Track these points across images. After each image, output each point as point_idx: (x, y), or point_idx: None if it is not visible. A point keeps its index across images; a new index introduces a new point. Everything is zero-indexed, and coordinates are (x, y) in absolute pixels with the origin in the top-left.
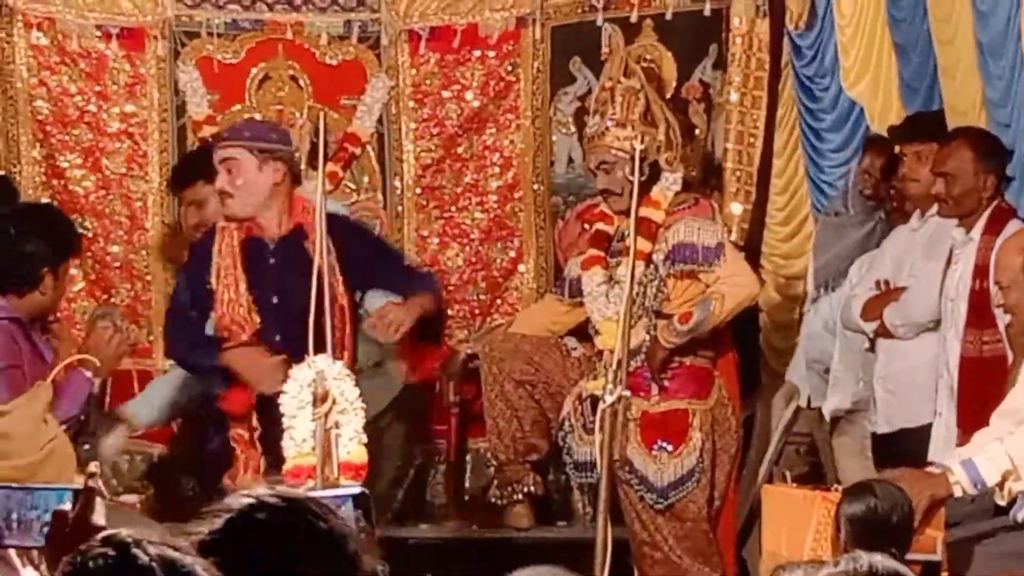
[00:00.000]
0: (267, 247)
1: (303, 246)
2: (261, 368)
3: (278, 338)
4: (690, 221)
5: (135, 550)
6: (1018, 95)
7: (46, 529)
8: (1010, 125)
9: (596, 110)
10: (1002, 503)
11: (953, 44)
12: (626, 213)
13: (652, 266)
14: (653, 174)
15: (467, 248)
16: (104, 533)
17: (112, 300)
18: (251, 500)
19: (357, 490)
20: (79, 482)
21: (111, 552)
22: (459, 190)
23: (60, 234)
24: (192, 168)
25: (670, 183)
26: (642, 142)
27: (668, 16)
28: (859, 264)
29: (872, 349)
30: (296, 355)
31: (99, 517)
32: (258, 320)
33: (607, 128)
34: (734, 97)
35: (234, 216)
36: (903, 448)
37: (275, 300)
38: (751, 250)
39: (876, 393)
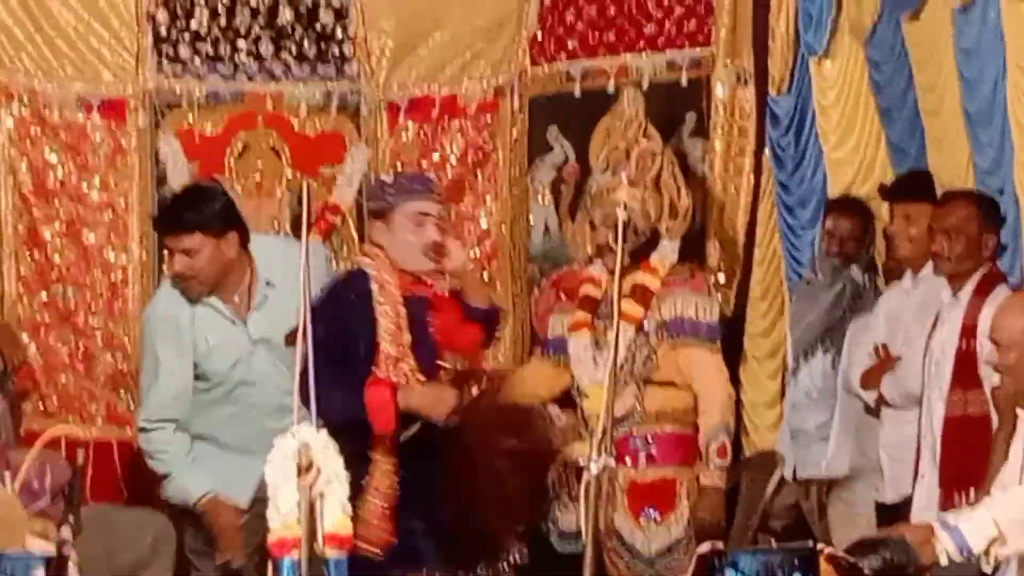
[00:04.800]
0: None
1: None
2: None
3: None
4: (689, 295)
5: None
6: (1006, 162)
7: None
8: (1003, 191)
9: (607, 167)
10: (988, 570)
11: (940, 115)
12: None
13: (643, 333)
14: (652, 240)
15: None
16: None
17: (93, 370)
18: None
19: None
20: (51, 549)
21: None
22: None
23: None
24: None
25: (668, 252)
26: (644, 206)
27: (644, 86)
28: (852, 330)
29: (876, 415)
30: None
31: None
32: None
33: (620, 183)
34: (717, 166)
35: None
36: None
37: None
38: (736, 322)
39: (882, 461)
